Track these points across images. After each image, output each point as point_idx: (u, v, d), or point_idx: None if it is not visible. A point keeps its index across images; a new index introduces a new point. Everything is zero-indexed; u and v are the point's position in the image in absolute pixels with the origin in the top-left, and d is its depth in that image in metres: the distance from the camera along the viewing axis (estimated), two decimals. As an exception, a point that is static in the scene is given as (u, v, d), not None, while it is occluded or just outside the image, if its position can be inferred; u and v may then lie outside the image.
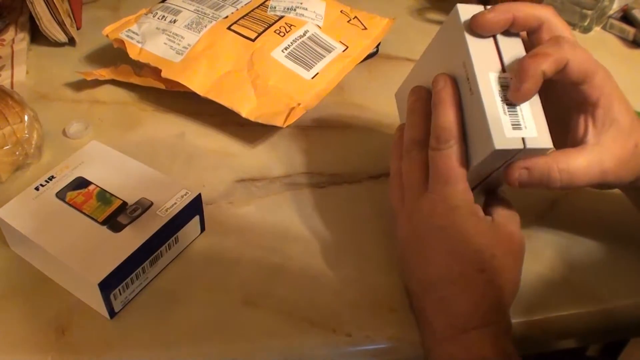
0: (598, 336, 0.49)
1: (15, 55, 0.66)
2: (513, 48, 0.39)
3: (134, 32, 0.62)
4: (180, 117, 0.60)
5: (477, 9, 0.39)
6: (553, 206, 0.51)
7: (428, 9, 0.77)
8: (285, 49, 0.60)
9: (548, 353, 0.46)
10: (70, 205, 0.45)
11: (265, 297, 0.44)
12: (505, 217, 0.41)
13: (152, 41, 0.61)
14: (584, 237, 0.48)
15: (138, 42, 0.61)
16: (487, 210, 0.42)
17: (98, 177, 0.47)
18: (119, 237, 0.43)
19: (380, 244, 0.48)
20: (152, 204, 0.45)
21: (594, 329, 0.45)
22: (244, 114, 0.55)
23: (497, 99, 0.38)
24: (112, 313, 0.42)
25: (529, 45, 0.40)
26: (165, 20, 0.63)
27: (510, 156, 0.38)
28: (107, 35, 0.63)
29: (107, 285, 0.40)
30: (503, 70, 0.38)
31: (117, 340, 0.41)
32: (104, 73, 0.62)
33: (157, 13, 0.64)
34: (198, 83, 0.57)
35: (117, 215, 0.44)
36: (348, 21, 0.66)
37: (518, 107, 0.38)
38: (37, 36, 0.70)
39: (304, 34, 0.62)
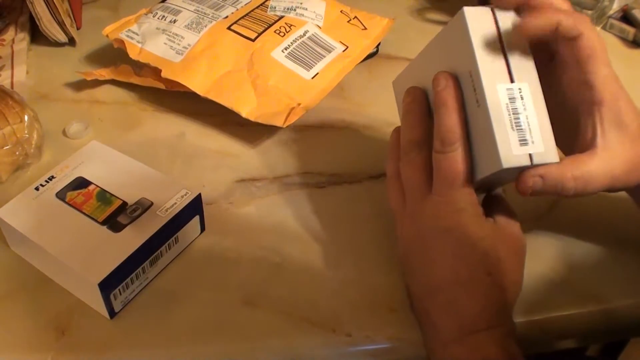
0: (598, 336, 0.49)
1: (15, 55, 0.66)
2: (521, 55, 0.38)
3: (134, 32, 0.62)
4: (180, 117, 0.60)
5: (485, 12, 0.38)
6: (553, 206, 0.51)
7: (428, 9, 0.77)
8: (285, 49, 0.60)
9: (548, 353, 0.46)
10: (70, 205, 0.45)
11: (265, 297, 0.44)
12: (507, 218, 0.41)
13: (152, 41, 0.61)
14: (584, 238, 0.48)
15: (138, 42, 0.61)
16: (487, 211, 0.42)
17: (98, 177, 0.47)
18: (119, 237, 0.43)
19: (380, 244, 0.48)
20: (152, 204, 0.45)
21: (594, 329, 0.45)
22: (244, 114, 0.55)
23: (505, 113, 0.37)
24: (112, 313, 0.42)
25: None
26: (165, 20, 0.63)
27: (517, 171, 0.38)
28: (107, 35, 0.63)
29: (107, 285, 0.40)
30: (511, 80, 0.38)
31: (117, 340, 0.41)
32: (104, 73, 0.62)
33: (157, 13, 0.64)
34: (198, 83, 0.57)
35: (117, 215, 0.44)
36: (348, 21, 0.66)
37: (525, 120, 0.37)
38: (37, 36, 0.70)
39: (304, 34, 0.62)
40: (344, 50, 0.62)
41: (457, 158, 0.39)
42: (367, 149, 0.57)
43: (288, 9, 0.64)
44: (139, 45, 0.61)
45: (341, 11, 0.67)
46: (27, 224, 0.43)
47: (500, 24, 0.38)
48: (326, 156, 0.56)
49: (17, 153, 0.52)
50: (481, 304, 0.38)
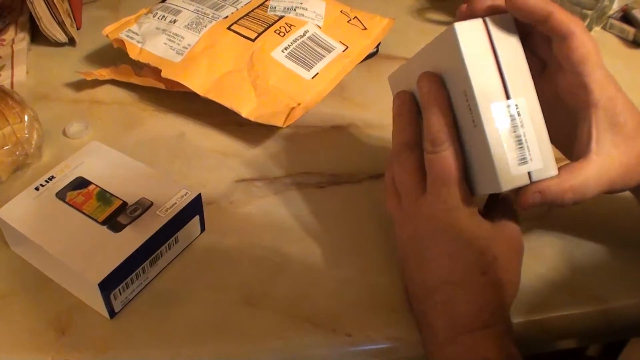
0: (598, 336, 0.49)
1: (15, 55, 0.66)
2: (517, 67, 0.37)
3: (134, 32, 0.62)
4: (180, 117, 0.60)
5: (476, 25, 0.37)
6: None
7: (428, 9, 0.77)
8: (285, 49, 0.60)
9: (548, 353, 0.46)
10: (70, 205, 0.45)
11: (265, 297, 0.44)
12: (506, 218, 0.41)
13: (152, 41, 0.61)
14: (584, 237, 0.48)
15: (138, 42, 0.61)
16: (488, 210, 0.42)
17: (98, 177, 0.47)
18: (119, 237, 0.43)
19: (380, 244, 0.48)
20: (152, 204, 0.45)
21: (594, 329, 0.45)
22: (244, 114, 0.55)
23: (502, 134, 0.36)
24: (112, 313, 0.42)
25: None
26: (165, 20, 0.63)
27: (517, 189, 0.38)
28: (107, 35, 0.63)
29: (107, 285, 0.40)
30: (507, 96, 0.37)
31: (117, 340, 0.41)
32: (104, 73, 0.62)
33: (157, 13, 0.64)
34: (198, 83, 0.57)
35: (117, 215, 0.44)
36: (348, 21, 0.66)
37: (523, 137, 0.37)
38: (37, 36, 0.70)
39: (304, 34, 0.62)
40: (344, 50, 0.62)
41: (448, 157, 0.39)
42: (367, 149, 0.57)
43: (288, 9, 0.64)
44: (139, 45, 0.61)
45: (341, 11, 0.67)
46: (27, 224, 0.43)
47: (494, 37, 0.37)
48: (326, 156, 0.56)
49: (17, 153, 0.52)
50: (477, 303, 0.37)
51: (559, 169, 0.38)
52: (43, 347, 0.41)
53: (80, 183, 0.47)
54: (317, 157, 0.56)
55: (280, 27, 0.62)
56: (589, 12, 0.71)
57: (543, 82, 0.39)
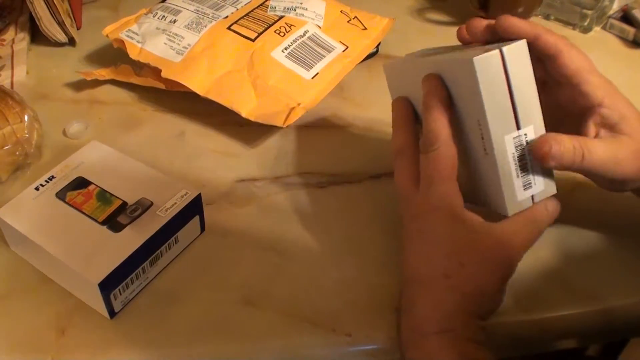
0: (598, 336, 0.49)
1: (15, 55, 0.66)
2: (528, 95, 0.38)
3: (134, 32, 0.62)
4: (180, 117, 0.60)
5: (494, 58, 0.36)
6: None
7: (428, 9, 0.77)
8: (285, 49, 0.60)
9: (548, 353, 0.46)
10: (70, 205, 0.45)
11: (265, 297, 0.44)
12: (507, 233, 0.39)
13: (152, 41, 0.61)
14: (584, 237, 0.48)
15: (138, 42, 0.61)
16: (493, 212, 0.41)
17: (98, 177, 0.47)
18: (119, 237, 0.43)
19: (380, 244, 0.48)
20: (152, 204, 0.45)
21: (594, 329, 0.45)
22: (244, 114, 0.55)
23: (512, 163, 0.38)
24: (112, 313, 0.42)
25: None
26: (165, 20, 0.63)
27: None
28: (107, 35, 0.63)
29: (107, 285, 0.40)
30: (518, 127, 0.38)
31: (117, 340, 0.41)
32: (104, 73, 0.62)
33: (157, 13, 0.64)
34: (198, 83, 0.57)
35: (117, 215, 0.44)
36: (348, 21, 0.66)
37: (529, 163, 0.39)
38: (37, 36, 0.70)
39: (304, 34, 0.62)
40: (344, 50, 0.62)
41: (436, 157, 0.39)
42: (367, 149, 0.57)
43: (288, 9, 0.64)
44: (139, 45, 0.61)
45: (341, 11, 0.67)
46: (27, 224, 0.43)
47: (509, 70, 0.37)
48: (326, 156, 0.56)
49: (17, 153, 0.52)
50: (432, 305, 0.37)
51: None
52: (43, 347, 0.41)
53: (80, 183, 0.47)
54: (317, 157, 0.56)
55: (280, 27, 0.62)
56: (589, 12, 0.71)
57: (545, 96, 0.39)
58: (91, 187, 0.46)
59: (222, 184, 0.53)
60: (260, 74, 0.58)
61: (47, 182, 0.46)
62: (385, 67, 0.48)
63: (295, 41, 0.61)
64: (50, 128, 0.57)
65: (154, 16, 0.64)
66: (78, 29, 0.71)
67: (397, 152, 0.43)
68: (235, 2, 0.65)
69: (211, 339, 0.42)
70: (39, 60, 0.68)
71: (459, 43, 0.44)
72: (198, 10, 0.63)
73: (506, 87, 0.37)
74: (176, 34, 0.61)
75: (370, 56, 0.66)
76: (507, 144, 0.38)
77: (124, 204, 0.45)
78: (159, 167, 0.48)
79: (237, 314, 0.43)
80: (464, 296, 0.37)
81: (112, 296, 0.41)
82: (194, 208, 0.46)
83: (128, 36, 0.62)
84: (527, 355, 0.46)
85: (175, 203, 0.45)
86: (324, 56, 0.61)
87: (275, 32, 0.61)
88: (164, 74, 0.58)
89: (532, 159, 0.39)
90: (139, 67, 0.62)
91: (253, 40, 0.60)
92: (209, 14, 0.63)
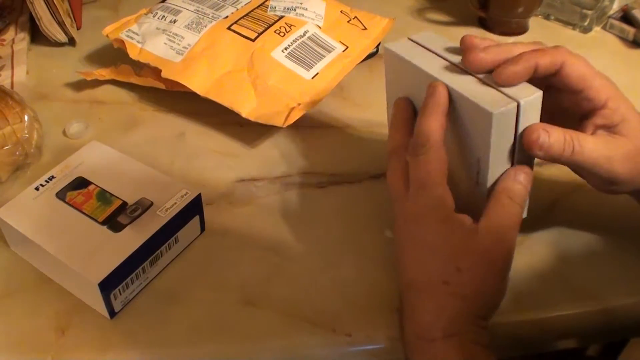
0: (598, 336, 0.49)
1: (15, 55, 0.66)
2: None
3: (134, 32, 0.62)
4: (180, 117, 0.60)
5: (511, 113, 0.37)
6: (553, 206, 0.51)
7: (428, 9, 0.77)
8: (285, 49, 0.60)
9: (548, 353, 0.46)
10: (70, 205, 0.45)
11: (265, 297, 0.44)
12: (493, 226, 0.38)
13: (152, 41, 0.61)
14: (584, 238, 0.48)
15: (138, 42, 0.61)
16: (480, 212, 0.41)
17: (98, 177, 0.47)
18: (119, 237, 0.43)
19: (380, 244, 0.48)
20: (152, 203, 0.45)
21: (594, 329, 0.45)
22: (244, 114, 0.55)
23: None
24: (112, 313, 0.42)
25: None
26: (165, 20, 0.63)
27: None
28: (107, 35, 0.63)
29: (107, 285, 0.40)
30: (512, 163, 0.40)
31: (117, 340, 0.41)
32: (104, 73, 0.62)
33: (157, 13, 0.64)
34: (198, 83, 0.57)
35: (117, 215, 0.44)
36: (348, 21, 0.66)
37: None
38: (37, 36, 0.70)
39: (304, 34, 0.62)
40: (344, 50, 0.62)
41: (426, 160, 0.38)
42: (367, 149, 0.57)
43: (288, 9, 0.64)
44: (139, 45, 0.61)
45: (341, 11, 0.67)
46: (27, 224, 0.43)
47: (520, 122, 0.38)
48: (326, 156, 0.56)
49: (17, 153, 0.52)
50: (435, 312, 0.37)
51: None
52: (43, 347, 0.41)
53: (80, 183, 0.47)
54: (317, 157, 0.56)
55: (280, 27, 0.62)
56: (589, 12, 0.71)
57: (548, 99, 0.39)
58: (91, 187, 0.46)
59: (222, 184, 0.53)
60: (260, 74, 0.58)
61: (47, 182, 0.46)
62: (386, 50, 0.45)
63: (295, 41, 0.61)
64: (50, 128, 0.57)
65: (154, 16, 0.64)
66: (78, 29, 0.71)
67: (392, 152, 0.42)
68: (235, 2, 0.65)
69: (211, 339, 0.42)
70: (39, 60, 0.68)
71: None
72: (198, 10, 0.63)
73: (513, 132, 0.38)
74: (176, 34, 0.61)
75: (370, 56, 0.66)
76: (498, 177, 0.40)
77: (124, 204, 0.45)
78: (159, 167, 0.48)
79: (237, 314, 0.43)
80: (465, 300, 0.37)
81: (112, 296, 0.41)
82: (194, 208, 0.46)
83: (128, 36, 0.62)
84: (527, 355, 0.46)
85: (175, 203, 0.45)
86: (324, 56, 0.61)
87: (275, 32, 0.61)
88: (164, 74, 0.58)
89: None
90: (139, 67, 0.62)
91: (253, 40, 0.60)
92: (209, 14, 0.63)
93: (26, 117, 0.52)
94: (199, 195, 0.46)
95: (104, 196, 0.46)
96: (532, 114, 0.38)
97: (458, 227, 0.38)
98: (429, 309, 0.37)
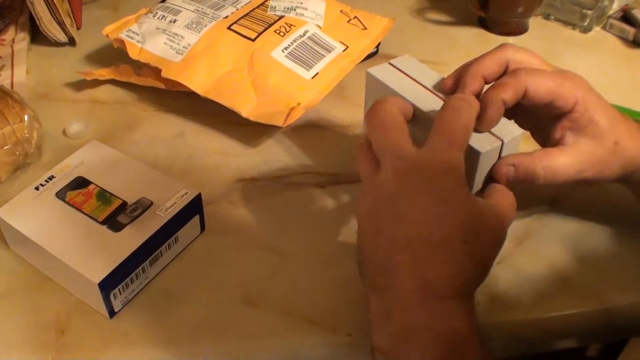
0: (598, 336, 0.49)
1: (15, 55, 0.66)
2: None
3: (134, 32, 0.62)
4: (180, 117, 0.60)
5: (497, 148, 0.41)
6: (553, 205, 0.51)
7: (428, 9, 0.77)
8: (285, 49, 0.60)
9: (548, 353, 0.46)
10: (70, 205, 0.45)
11: (265, 296, 0.44)
12: (499, 203, 0.39)
13: (152, 41, 0.61)
14: (583, 237, 0.48)
15: (138, 42, 0.61)
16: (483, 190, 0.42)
17: (98, 176, 0.47)
18: (119, 236, 0.43)
19: (380, 243, 0.47)
20: (152, 203, 0.45)
21: (594, 328, 0.45)
22: (244, 114, 0.55)
23: None
24: (112, 313, 0.42)
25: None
26: (165, 20, 0.63)
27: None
28: (107, 35, 0.63)
29: (107, 285, 0.40)
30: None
31: (116, 340, 0.41)
32: (104, 73, 0.62)
33: (157, 13, 0.64)
34: (198, 83, 0.57)
35: (117, 214, 0.44)
36: (348, 21, 0.66)
37: None
38: (37, 36, 0.70)
39: (304, 34, 0.62)
40: (344, 50, 0.62)
41: (458, 118, 0.38)
42: (367, 149, 0.56)
43: (288, 8, 0.64)
44: (139, 45, 0.61)
45: (341, 11, 0.67)
46: (27, 223, 0.43)
47: (504, 151, 0.42)
48: (326, 156, 0.56)
49: (17, 153, 0.52)
50: (452, 271, 0.35)
51: (534, 151, 0.42)
52: (43, 347, 0.41)
53: (80, 183, 0.47)
54: (317, 157, 0.56)
55: (280, 27, 0.62)
56: (589, 12, 0.71)
57: (519, 107, 0.42)
58: (91, 187, 0.46)
59: (222, 184, 0.53)
60: (260, 73, 0.58)
61: (47, 182, 0.46)
62: (368, 74, 0.46)
63: (295, 41, 0.61)
64: (50, 128, 0.57)
65: (154, 16, 0.64)
66: (78, 29, 0.71)
67: (362, 144, 0.40)
68: (235, 2, 0.65)
69: (211, 338, 0.42)
70: (39, 60, 0.68)
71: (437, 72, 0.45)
72: (198, 10, 0.63)
73: (493, 163, 0.42)
74: (176, 34, 0.61)
75: (370, 56, 0.66)
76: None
77: (124, 203, 0.45)
78: (158, 167, 0.49)
79: (237, 314, 0.43)
80: (475, 266, 0.36)
81: (112, 296, 0.41)
82: (194, 208, 0.46)
83: (128, 36, 0.62)
84: (527, 355, 0.46)
85: (175, 203, 0.45)
86: (324, 56, 0.61)
87: (275, 32, 0.61)
88: (164, 74, 0.58)
89: None
90: (139, 67, 0.62)
91: (253, 40, 0.60)
92: (209, 14, 0.63)
93: (26, 117, 0.52)
94: (199, 195, 0.46)
95: (103, 196, 0.46)
96: (514, 146, 0.42)
97: (477, 200, 0.38)
98: (444, 266, 0.35)
